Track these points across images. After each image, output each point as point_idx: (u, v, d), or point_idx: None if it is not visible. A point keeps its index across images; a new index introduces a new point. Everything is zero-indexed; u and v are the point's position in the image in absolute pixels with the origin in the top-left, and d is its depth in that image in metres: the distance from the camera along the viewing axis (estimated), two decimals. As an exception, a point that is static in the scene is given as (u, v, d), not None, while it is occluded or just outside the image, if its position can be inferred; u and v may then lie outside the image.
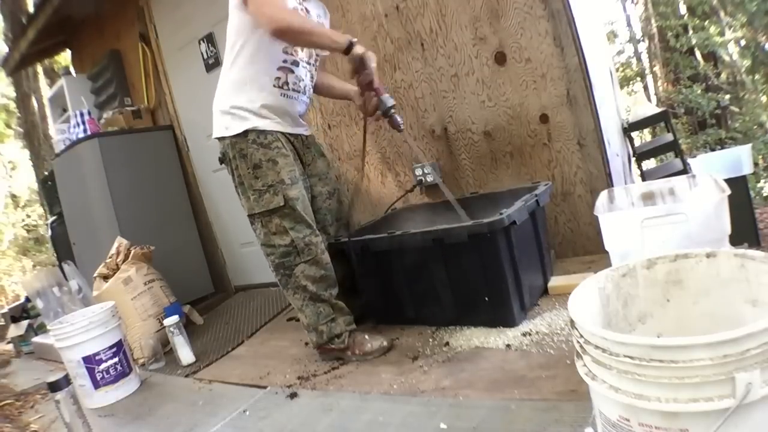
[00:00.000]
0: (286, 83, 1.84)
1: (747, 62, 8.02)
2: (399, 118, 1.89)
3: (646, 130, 5.71)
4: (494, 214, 1.67)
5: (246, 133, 1.81)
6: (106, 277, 2.71)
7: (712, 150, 5.20)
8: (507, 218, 1.64)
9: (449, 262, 1.80)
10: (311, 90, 2.01)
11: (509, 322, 1.73)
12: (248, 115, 1.81)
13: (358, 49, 1.71)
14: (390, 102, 1.86)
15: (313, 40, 1.75)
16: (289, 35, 1.69)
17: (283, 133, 1.87)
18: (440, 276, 1.84)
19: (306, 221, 1.84)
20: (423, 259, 1.86)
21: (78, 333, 2.09)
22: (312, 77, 1.97)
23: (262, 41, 1.76)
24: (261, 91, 1.81)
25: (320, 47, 1.82)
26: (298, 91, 1.91)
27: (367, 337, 1.86)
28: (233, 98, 1.83)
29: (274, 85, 1.83)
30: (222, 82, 1.88)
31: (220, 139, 1.86)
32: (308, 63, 1.93)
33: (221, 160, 1.92)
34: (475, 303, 1.79)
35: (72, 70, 4.72)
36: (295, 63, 1.86)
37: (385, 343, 1.84)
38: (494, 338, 1.69)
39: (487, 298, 1.76)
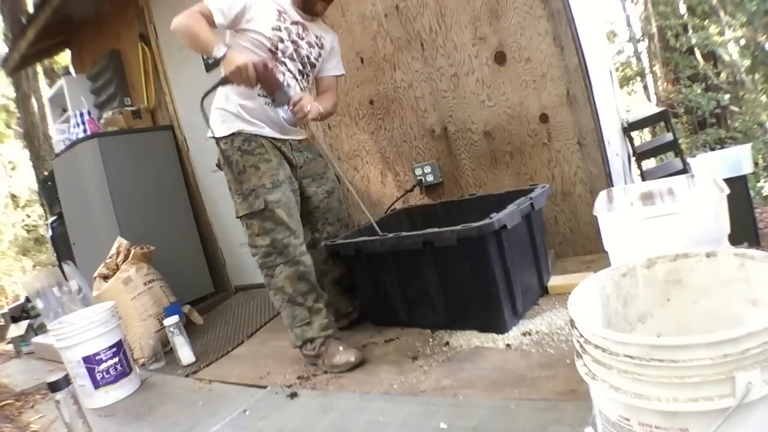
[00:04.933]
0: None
1: (747, 62, 8.02)
2: (284, 112, 1.84)
3: (646, 130, 5.72)
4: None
5: (233, 138, 1.86)
6: (106, 277, 2.71)
7: (712, 149, 5.20)
8: (497, 222, 1.60)
9: (440, 265, 1.79)
10: None
11: (500, 328, 1.71)
12: (234, 119, 1.88)
13: (234, 60, 1.66)
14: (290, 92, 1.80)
15: (192, 44, 1.77)
16: (178, 35, 1.78)
17: (268, 138, 1.91)
18: (431, 279, 1.83)
19: (285, 224, 1.86)
20: (414, 263, 1.85)
21: (78, 333, 2.09)
22: (303, 90, 1.96)
23: (249, 51, 1.79)
24: (247, 98, 1.86)
25: (200, 52, 1.85)
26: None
27: (341, 348, 1.82)
28: (222, 100, 1.91)
29: (259, 94, 1.86)
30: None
31: (215, 140, 1.90)
32: (295, 78, 1.92)
33: (218, 166, 1.98)
34: (466, 307, 1.78)
35: (72, 70, 4.71)
36: (282, 74, 1.86)
37: (352, 359, 1.77)
38: (494, 338, 1.69)
39: (479, 307, 1.74)
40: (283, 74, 1.87)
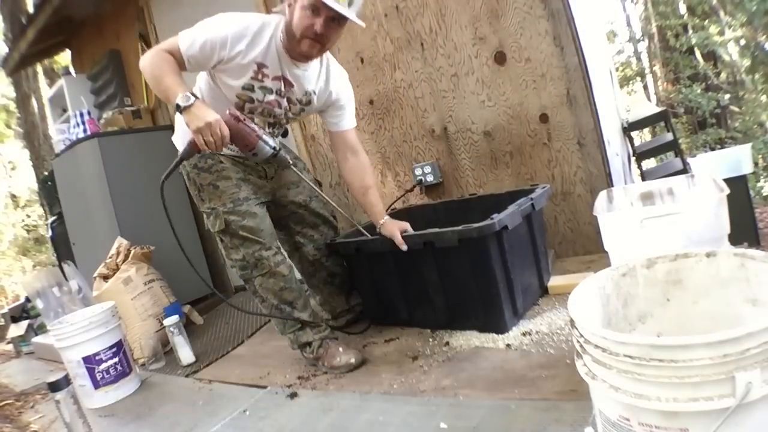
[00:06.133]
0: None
1: (747, 62, 8.03)
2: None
3: (646, 130, 5.72)
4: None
5: None
6: (106, 278, 2.71)
7: (712, 149, 5.21)
8: (498, 223, 1.60)
9: (440, 266, 1.79)
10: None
11: (500, 328, 1.71)
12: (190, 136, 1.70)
13: (202, 115, 1.48)
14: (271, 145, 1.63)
15: (155, 87, 1.62)
16: (145, 75, 1.64)
17: (227, 155, 1.81)
18: (432, 279, 1.83)
19: (251, 239, 1.81)
20: (415, 263, 1.85)
21: (78, 333, 2.09)
22: (277, 135, 1.86)
23: (211, 97, 1.71)
24: None
25: (162, 98, 1.64)
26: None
27: (341, 349, 1.81)
28: (180, 123, 1.76)
29: (230, 148, 1.76)
30: None
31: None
32: (270, 125, 1.81)
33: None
34: (466, 308, 1.78)
35: (72, 70, 4.71)
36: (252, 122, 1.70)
37: (352, 360, 1.77)
38: (494, 338, 1.69)
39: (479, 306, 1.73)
40: (253, 120, 1.68)
